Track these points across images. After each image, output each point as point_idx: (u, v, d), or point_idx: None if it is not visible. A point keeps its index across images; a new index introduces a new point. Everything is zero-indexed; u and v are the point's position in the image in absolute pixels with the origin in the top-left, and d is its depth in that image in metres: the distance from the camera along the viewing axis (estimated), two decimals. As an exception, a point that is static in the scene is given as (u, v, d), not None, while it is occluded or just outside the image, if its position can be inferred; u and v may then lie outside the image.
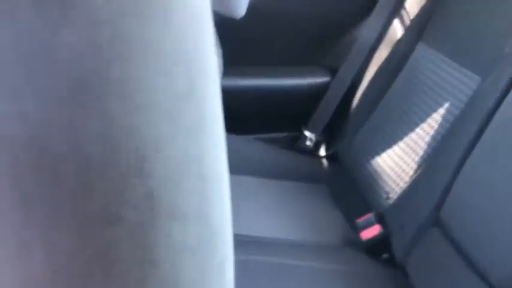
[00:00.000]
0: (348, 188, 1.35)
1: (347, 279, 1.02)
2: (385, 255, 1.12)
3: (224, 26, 1.47)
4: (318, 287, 1.00)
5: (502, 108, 0.92)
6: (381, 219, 1.15)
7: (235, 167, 1.41)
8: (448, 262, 0.93)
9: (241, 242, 1.09)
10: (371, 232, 1.12)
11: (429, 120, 1.16)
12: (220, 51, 1.13)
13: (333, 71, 1.52)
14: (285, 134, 1.60)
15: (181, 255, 0.22)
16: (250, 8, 1.51)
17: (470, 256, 0.88)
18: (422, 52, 1.29)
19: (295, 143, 1.57)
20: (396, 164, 1.20)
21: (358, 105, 1.44)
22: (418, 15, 1.34)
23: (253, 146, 1.50)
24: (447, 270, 0.93)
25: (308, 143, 1.54)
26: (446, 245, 0.95)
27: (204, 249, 0.23)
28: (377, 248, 1.13)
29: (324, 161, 1.52)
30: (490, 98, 0.96)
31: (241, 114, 1.57)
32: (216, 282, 0.24)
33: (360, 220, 1.17)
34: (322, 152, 1.56)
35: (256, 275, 0.97)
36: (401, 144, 1.21)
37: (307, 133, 1.54)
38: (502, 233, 0.84)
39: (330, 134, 1.54)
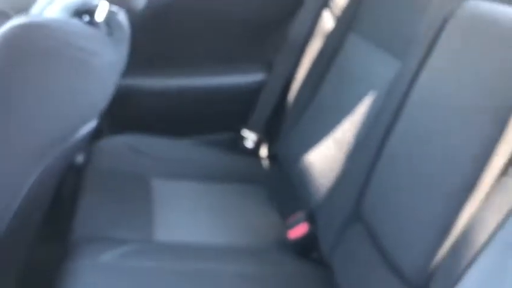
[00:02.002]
0: (285, 187, 1.30)
1: (270, 281, 0.97)
2: (314, 255, 1.08)
3: (155, 24, 1.44)
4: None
5: (413, 93, 0.88)
6: (310, 218, 1.11)
7: (172, 172, 1.38)
8: (367, 258, 0.89)
9: (164, 249, 1.05)
10: (299, 231, 1.08)
11: (356, 111, 1.12)
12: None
13: (268, 68, 1.48)
14: (225, 135, 1.56)
15: None
16: (182, 6, 1.48)
17: (386, 250, 0.84)
18: (352, 42, 1.26)
19: (236, 144, 1.53)
20: (326, 160, 1.16)
21: (295, 102, 1.40)
22: (347, 6, 1.31)
23: (192, 149, 1.46)
24: (366, 266, 0.88)
25: (248, 143, 1.50)
26: (366, 240, 0.91)
27: None
28: (306, 247, 1.09)
29: (264, 161, 1.48)
30: (404, 83, 0.92)
31: (178, 116, 1.53)
32: None
33: (290, 219, 1.13)
34: (264, 151, 1.52)
35: (172, 281, 0.93)
36: (330, 138, 1.17)
37: (247, 133, 1.50)
38: (412, 225, 0.80)
39: (270, 133, 1.50)
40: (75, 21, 0.86)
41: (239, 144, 1.51)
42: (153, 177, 1.29)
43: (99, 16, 0.88)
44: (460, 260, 0.71)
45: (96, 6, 0.90)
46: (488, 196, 0.71)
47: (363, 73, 1.16)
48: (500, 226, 0.68)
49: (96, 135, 1.46)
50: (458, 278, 0.70)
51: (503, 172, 0.71)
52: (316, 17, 1.39)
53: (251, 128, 1.50)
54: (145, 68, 1.47)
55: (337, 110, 1.19)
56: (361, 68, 1.17)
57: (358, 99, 1.13)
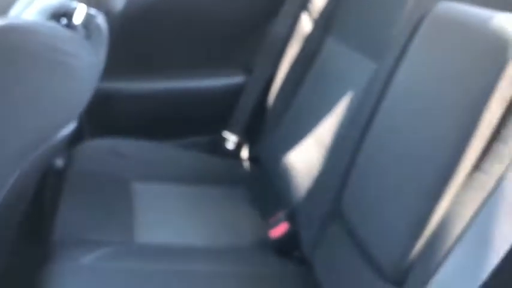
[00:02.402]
0: (266, 188, 1.31)
1: (250, 281, 0.98)
2: (296, 254, 1.09)
3: (135, 27, 1.44)
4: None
5: (388, 93, 0.90)
6: (291, 217, 1.12)
7: (154, 174, 1.38)
8: (347, 255, 0.90)
9: (145, 250, 1.05)
10: (279, 230, 1.09)
11: (334, 112, 1.14)
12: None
13: (248, 70, 1.49)
14: (206, 138, 1.57)
15: None
16: (161, 9, 1.48)
17: (365, 247, 0.86)
18: (330, 45, 1.27)
19: (217, 146, 1.53)
20: (305, 160, 1.17)
21: (275, 104, 1.41)
22: (324, 9, 1.32)
23: (173, 151, 1.46)
24: (346, 263, 0.90)
25: (229, 145, 1.51)
26: (346, 238, 0.92)
27: None
28: (287, 247, 1.09)
29: (246, 163, 1.49)
30: (379, 83, 0.94)
31: (159, 119, 1.53)
32: None
33: (271, 219, 1.14)
34: (245, 153, 1.53)
35: (152, 282, 0.93)
36: (310, 139, 1.18)
37: (228, 135, 1.51)
38: (389, 221, 0.81)
39: (251, 135, 1.51)
40: (53, 23, 0.87)
41: (220, 146, 1.52)
42: (134, 180, 1.29)
43: (77, 19, 0.88)
44: (435, 254, 0.73)
45: (74, 9, 0.90)
46: (462, 191, 0.73)
47: (341, 75, 1.17)
48: (474, 220, 0.70)
49: (77, 138, 1.46)
50: (433, 272, 0.72)
51: (476, 167, 0.73)
52: (295, 20, 1.41)
53: (232, 130, 1.51)
54: (125, 71, 1.47)
55: (316, 111, 1.21)
56: (338, 70, 1.19)
57: (336, 100, 1.15)
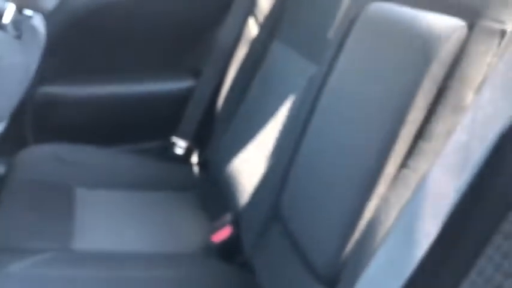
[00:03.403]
0: (214, 193, 1.30)
1: (191, 285, 0.96)
2: (239, 258, 1.08)
3: (80, 30, 1.41)
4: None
5: (323, 94, 0.91)
6: (234, 221, 1.11)
7: (99, 180, 1.34)
8: (284, 257, 0.90)
9: (82, 257, 1.02)
10: (222, 235, 1.08)
11: (276, 116, 1.14)
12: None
13: (196, 74, 1.48)
14: (156, 143, 1.55)
15: None
16: (107, 13, 1.46)
17: (301, 248, 0.85)
18: (275, 49, 1.28)
19: (166, 152, 1.51)
20: (249, 164, 1.17)
21: (223, 109, 1.41)
22: (270, 14, 1.33)
23: (119, 157, 1.43)
24: (284, 265, 0.89)
25: (178, 150, 1.49)
26: (284, 240, 0.91)
27: None
28: (230, 251, 1.08)
29: (195, 169, 1.47)
30: (316, 86, 0.94)
31: (106, 125, 1.50)
32: None
33: (215, 223, 1.13)
34: (194, 158, 1.52)
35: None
36: (254, 143, 1.18)
37: (177, 141, 1.49)
38: (323, 221, 0.81)
39: (200, 140, 1.50)
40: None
41: (169, 151, 1.50)
42: (77, 186, 1.25)
43: (5, 18, 0.86)
44: (365, 252, 0.73)
45: (4, 9, 0.87)
46: (390, 188, 0.74)
47: (284, 79, 1.18)
48: (400, 216, 0.71)
49: (20, 145, 1.42)
50: (363, 270, 0.72)
51: (403, 165, 0.73)
52: (242, 24, 1.41)
53: (181, 135, 1.49)
54: (70, 75, 1.44)
55: (260, 115, 1.21)
56: (282, 73, 1.19)
57: (278, 104, 1.15)
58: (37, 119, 1.43)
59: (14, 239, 1.01)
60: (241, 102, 1.33)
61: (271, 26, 1.31)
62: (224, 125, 1.36)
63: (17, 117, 1.38)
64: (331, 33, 0.99)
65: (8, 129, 1.35)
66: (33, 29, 0.93)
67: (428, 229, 0.66)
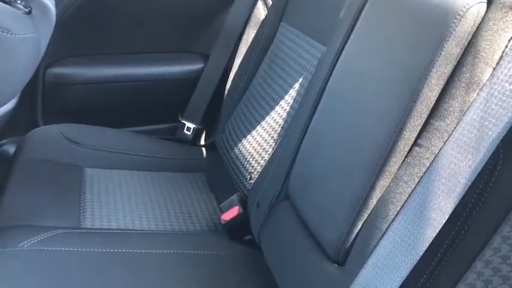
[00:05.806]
0: (222, 174, 1.30)
1: (199, 263, 0.97)
2: (248, 237, 1.08)
3: (92, 13, 1.41)
4: (169, 273, 0.94)
5: (333, 75, 0.90)
6: (242, 201, 1.11)
7: (108, 161, 1.35)
8: (292, 235, 0.89)
9: (91, 234, 1.02)
10: (230, 214, 1.08)
11: (285, 96, 1.13)
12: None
13: (205, 57, 1.48)
14: (165, 125, 1.55)
15: None
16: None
17: (310, 227, 0.85)
18: (284, 31, 1.27)
19: (175, 133, 1.51)
20: (259, 145, 1.16)
21: (231, 91, 1.40)
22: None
23: (129, 138, 1.43)
24: (292, 244, 0.89)
25: (187, 132, 1.49)
26: (293, 219, 0.91)
27: None
28: (238, 230, 1.08)
29: (203, 150, 1.47)
30: (326, 66, 0.93)
31: (116, 106, 1.50)
32: None
33: (223, 203, 1.13)
34: (202, 140, 1.52)
35: (96, 264, 0.91)
36: (263, 124, 1.18)
37: (185, 122, 1.49)
38: (332, 200, 0.81)
39: (208, 122, 1.49)
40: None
41: (178, 133, 1.50)
42: (87, 167, 1.26)
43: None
44: (375, 230, 0.72)
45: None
46: (402, 166, 0.73)
47: (292, 61, 1.17)
48: (412, 195, 0.70)
49: (30, 125, 1.42)
50: (373, 250, 0.71)
51: (415, 143, 0.73)
52: (250, 8, 1.40)
53: (189, 118, 1.49)
54: (81, 57, 1.44)
55: (269, 97, 1.20)
56: (291, 55, 1.19)
57: (287, 86, 1.15)
58: (46, 100, 1.43)
59: (24, 217, 1.02)
60: (249, 84, 1.33)
61: (279, 9, 1.30)
62: (232, 107, 1.36)
63: (27, 98, 1.38)
64: (342, 13, 0.98)
65: (18, 110, 1.35)
66: (43, 6, 0.93)
67: (442, 207, 0.65)
